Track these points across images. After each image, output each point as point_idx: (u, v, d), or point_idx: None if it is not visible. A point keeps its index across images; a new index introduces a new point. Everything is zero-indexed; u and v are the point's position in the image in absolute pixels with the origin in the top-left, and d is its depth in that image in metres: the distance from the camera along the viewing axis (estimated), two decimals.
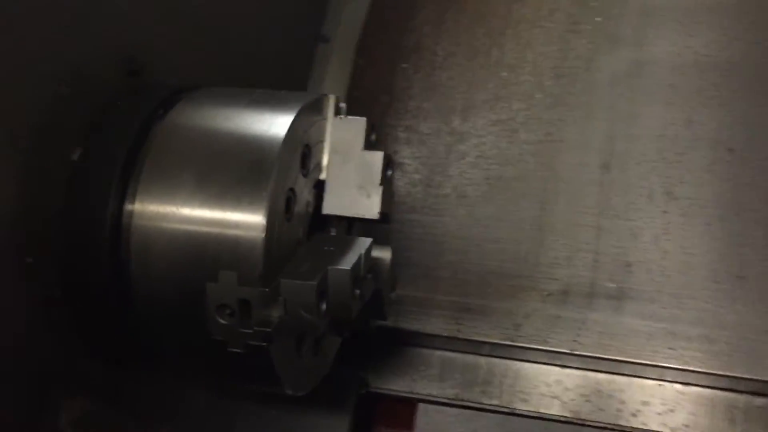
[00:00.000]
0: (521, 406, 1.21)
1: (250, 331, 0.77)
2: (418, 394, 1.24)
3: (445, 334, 1.24)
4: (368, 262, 0.87)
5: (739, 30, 1.33)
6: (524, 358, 1.22)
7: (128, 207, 0.83)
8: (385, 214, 0.91)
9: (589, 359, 1.19)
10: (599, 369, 1.19)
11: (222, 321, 0.77)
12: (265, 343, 0.77)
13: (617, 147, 1.31)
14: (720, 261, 1.21)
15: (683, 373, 1.16)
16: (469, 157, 1.37)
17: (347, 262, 0.82)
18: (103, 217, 0.82)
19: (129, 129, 0.85)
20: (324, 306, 0.81)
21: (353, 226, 0.97)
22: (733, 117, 1.28)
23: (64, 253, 0.84)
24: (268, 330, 0.77)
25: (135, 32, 0.93)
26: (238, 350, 0.77)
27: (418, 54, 1.47)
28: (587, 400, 1.20)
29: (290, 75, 1.44)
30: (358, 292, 0.84)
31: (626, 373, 1.18)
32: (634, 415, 1.17)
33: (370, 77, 1.47)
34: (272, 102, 0.86)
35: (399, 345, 1.25)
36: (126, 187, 0.83)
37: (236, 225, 0.80)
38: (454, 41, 1.47)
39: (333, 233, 0.93)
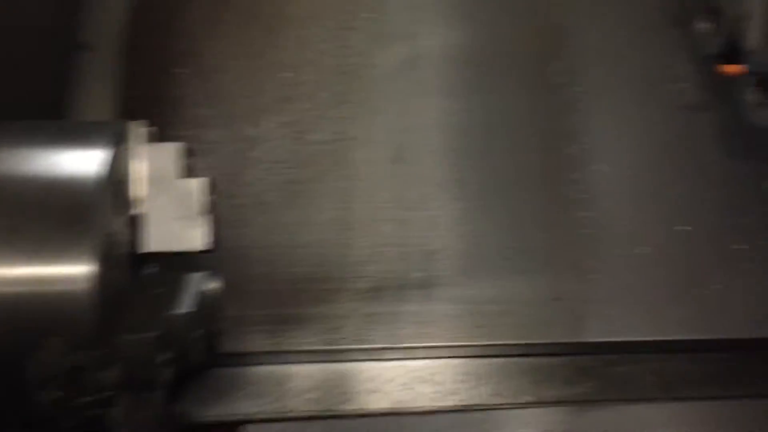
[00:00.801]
0: (346, 407, 1.21)
1: (88, 399, 0.68)
2: (239, 415, 1.19)
3: (264, 349, 1.20)
4: (202, 297, 0.81)
5: (502, 22, 1.42)
6: (346, 359, 1.22)
7: None
8: (210, 244, 0.86)
9: (407, 350, 1.22)
10: (417, 357, 1.23)
11: (50, 395, 0.68)
12: (104, 410, 0.69)
13: (405, 140, 1.35)
14: (509, 238, 1.30)
15: (491, 347, 1.24)
16: (264, 163, 1.33)
17: (183, 305, 0.76)
18: None
19: None
20: (165, 356, 0.74)
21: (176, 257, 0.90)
22: (505, 104, 1.37)
23: None
24: (107, 394, 0.69)
25: None
26: (71, 425, 0.69)
27: (193, 58, 1.39)
28: (408, 389, 1.23)
29: (47, 89, 1.30)
30: (198, 332, 0.79)
31: (442, 356, 1.23)
32: (453, 393, 1.23)
33: (143, 86, 1.37)
34: (77, 136, 0.77)
35: (217, 368, 1.19)
36: None
37: (57, 280, 0.70)
38: (229, 42, 1.41)
39: (157, 270, 0.85)
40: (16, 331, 0.70)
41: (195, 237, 0.84)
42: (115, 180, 0.78)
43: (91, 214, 0.71)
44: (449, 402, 1.22)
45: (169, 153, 0.85)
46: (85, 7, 1.40)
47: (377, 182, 1.32)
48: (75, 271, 0.70)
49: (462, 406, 1.23)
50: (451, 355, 1.24)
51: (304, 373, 1.22)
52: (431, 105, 1.38)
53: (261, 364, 1.21)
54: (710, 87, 1.37)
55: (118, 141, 0.79)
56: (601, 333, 1.24)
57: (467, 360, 1.25)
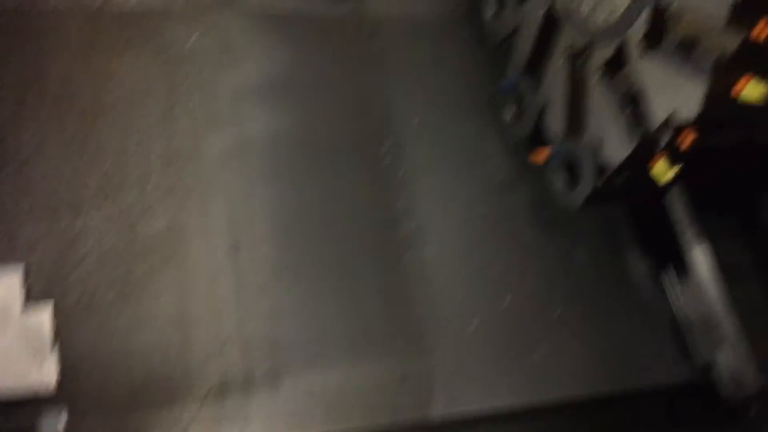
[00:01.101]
0: None
1: None
2: None
3: None
4: None
5: (329, 106, 1.45)
6: None
7: None
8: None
9: None
10: None
11: None
12: None
13: (239, 227, 1.33)
14: (351, 323, 1.32)
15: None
16: (89, 260, 1.25)
17: None
18: None
19: None
20: None
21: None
22: (336, 188, 1.40)
23: None
24: None
25: None
26: None
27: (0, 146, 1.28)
28: None
29: None
30: None
31: None
32: None
33: None
34: None
35: None
36: None
37: None
38: (41, 129, 1.32)
39: None
40: None
41: (46, 375, 0.77)
42: None
43: None
44: None
45: (11, 282, 0.77)
46: None
47: (215, 274, 1.29)
48: None
49: None
50: None
51: None
52: (263, 190, 1.37)
53: None
54: (522, 166, 1.48)
55: None
56: (443, 408, 1.29)
57: None
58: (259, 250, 1.32)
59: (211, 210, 1.33)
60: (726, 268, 1.32)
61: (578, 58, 1.30)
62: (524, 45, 1.43)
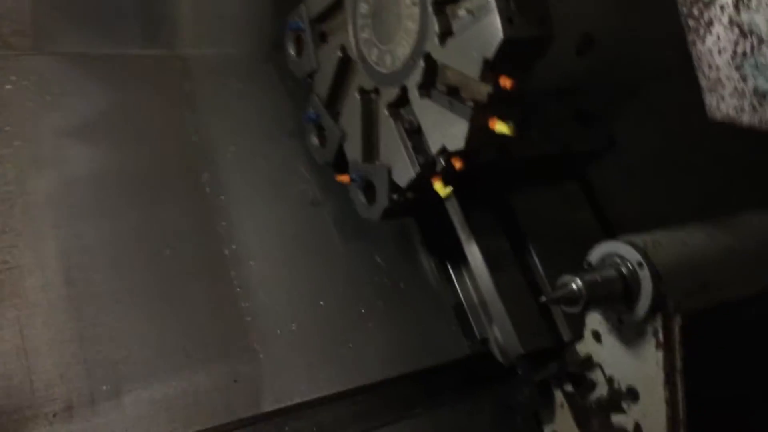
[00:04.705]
0: None
1: None
2: None
3: None
4: None
5: (151, 141, 1.52)
6: None
7: None
8: None
9: None
10: None
11: None
12: None
13: (73, 261, 1.37)
14: (186, 336, 1.41)
15: None
16: None
17: None
18: None
19: None
20: None
21: None
22: (161, 218, 1.48)
23: None
24: None
25: None
26: None
27: None
28: None
29: None
30: None
31: None
32: None
33: None
34: None
35: None
36: None
37: None
38: None
39: None
40: None
41: None
42: None
43: None
44: None
45: None
46: None
47: (53, 305, 1.33)
48: None
49: None
50: None
51: None
52: (92, 225, 1.42)
53: None
54: (329, 185, 1.64)
55: None
56: (273, 402, 1.43)
57: None
58: (93, 280, 1.37)
59: (42, 247, 1.36)
60: (492, 259, 1.55)
61: (369, 96, 1.48)
62: (323, 82, 1.58)
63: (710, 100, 0.86)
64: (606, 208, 1.74)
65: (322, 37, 1.58)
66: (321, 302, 1.54)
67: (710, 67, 0.85)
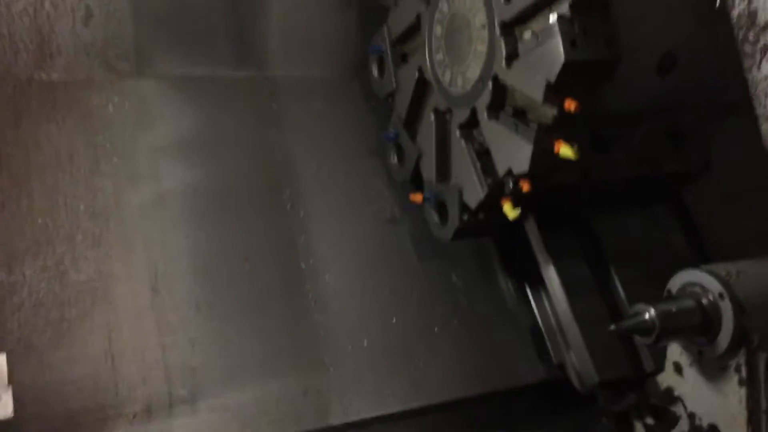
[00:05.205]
0: None
1: None
2: None
3: None
4: None
5: (236, 159, 1.60)
6: None
7: None
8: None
9: None
10: None
11: None
12: None
13: (160, 271, 1.47)
14: (260, 347, 1.47)
15: None
16: (26, 306, 1.37)
17: None
18: None
19: None
20: None
21: None
22: (244, 232, 1.55)
23: None
24: None
25: None
26: None
27: None
28: None
29: None
30: None
31: None
32: None
33: None
34: None
35: None
36: None
37: None
38: None
39: None
40: None
41: (5, 407, 0.90)
42: None
43: None
44: None
45: None
46: None
47: (139, 312, 1.42)
48: None
49: None
50: None
51: None
52: (179, 237, 1.51)
53: None
54: (406, 204, 1.66)
55: None
56: (341, 416, 1.46)
57: None
58: (177, 289, 1.46)
59: (133, 257, 1.46)
60: (571, 284, 1.52)
61: (444, 116, 1.49)
62: (402, 102, 1.60)
63: (767, 129, 0.81)
64: (701, 232, 1.65)
65: (402, 58, 1.60)
66: (394, 319, 1.56)
67: (766, 95, 0.80)
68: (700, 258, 1.57)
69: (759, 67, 0.80)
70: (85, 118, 1.54)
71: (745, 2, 0.81)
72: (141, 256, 1.47)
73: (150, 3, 1.59)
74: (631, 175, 1.53)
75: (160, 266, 1.47)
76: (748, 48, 0.82)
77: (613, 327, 1.30)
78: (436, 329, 1.58)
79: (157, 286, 1.45)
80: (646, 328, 1.26)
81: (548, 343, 1.62)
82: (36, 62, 1.51)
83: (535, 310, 1.65)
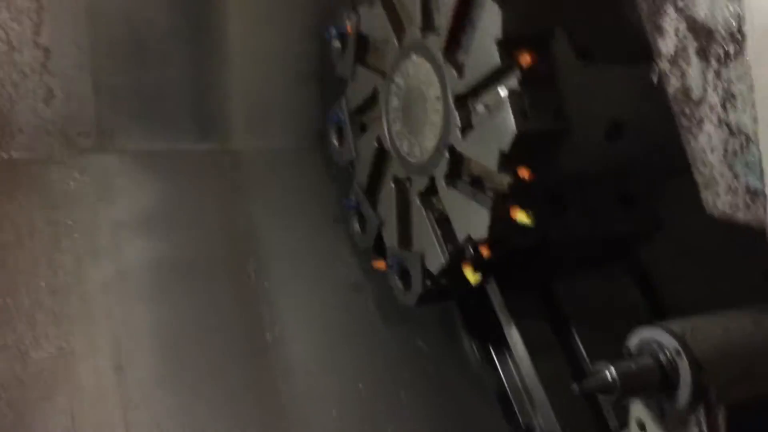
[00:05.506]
0: None
1: None
2: None
3: None
4: None
5: (192, 232, 1.61)
6: None
7: None
8: None
9: None
10: None
11: None
12: None
13: (124, 347, 1.45)
14: (226, 421, 1.45)
15: None
16: None
17: None
18: None
19: None
20: None
21: None
22: (208, 304, 1.55)
23: None
24: None
25: None
26: None
27: None
28: None
29: None
30: None
31: None
32: None
33: None
34: None
35: None
36: None
37: None
38: None
39: None
40: None
41: None
42: None
43: None
44: None
45: None
46: None
47: (102, 391, 1.41)
48: None
49: None
50: None
51: None
52: (142, 312, 1.50)
53: None
54: (369, 270, 1.68)
55: None
56: None
57: None
58: (141, 366, 1.45)
59: (95, 334, 1.45)
60: (534, 344, 1.54)
61: (403, 184, 1.52)
62: (362, 171, 1.64)
63: (706, 197, 0.86)
64: (658, 290, 1.70)
65: (361, 128, 1.65)
66: (361, 385, 1.56)
67: (704, 164, 0.85)
68: (658, 314, 1.61)
69: (696, 139, 0.85)
70: (46, 195, 1.55)
71: (680, 79, 0.87)
72: (103, 333, 1.46)
73: (111, 80, 1.62)
74: (586, 235, 1.57)
75: (123, 342, 1.46)
76: (684, 121, 0.87)
77: (575, 387, 1.32)
78: (402, 395, 1.58)
79: (121, 362, 1.44)
80: (607, 387, 1.28)
81: (515, 406, 1.63)
82: None
83: (501, 372, 1.66)
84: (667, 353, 1.31)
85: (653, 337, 1.34)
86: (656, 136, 1.44)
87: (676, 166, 1.57)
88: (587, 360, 1.54)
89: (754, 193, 0.78)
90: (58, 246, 1.50)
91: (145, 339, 1.48)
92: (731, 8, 0.76)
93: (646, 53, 1.02)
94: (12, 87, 1.52)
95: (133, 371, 1.44)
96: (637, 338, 1.36)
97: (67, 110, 1.58)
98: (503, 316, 1.55)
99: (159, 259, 1.56)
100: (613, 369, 1.29)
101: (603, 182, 1.54)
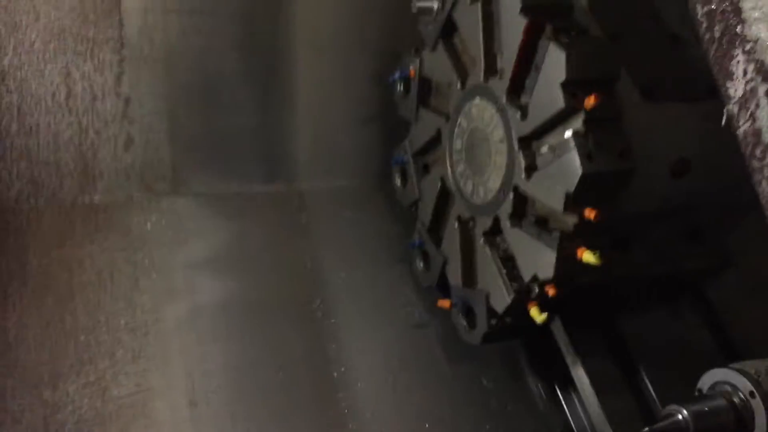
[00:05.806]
0: None
1: None
2: None
3: None
4: None
5: (268, 271, 1.66)
6: None
7: None
8: None
9: None
10: None
11: None
12: None
13: (198, 384, 1.50)
14: None
15: None
16: (69, 423, 1.40)
17: None
18: None
19: None
20: None
21: None
22: (276, 342, 1.59)
23: None
24: None
25: None
26: None
27: None
28: None
29: None
30: None
31: None
32: None
33: None
34: None
35: None
36: None
37: None
38: (24, 313, 1.49)
39: None
40: None
41: None
42: None
43: None
44: None
45: None
46: None
47: (177, 426, 1.45)
48: None
49: None
50: None
51: None
52: (215, 350, 1.55)
53: None
54: (434, 308, 1.69)
55: None
56: None
57: None
58: (214, 402, 1.49)
59: (171, 371, 1.50)
60: (601, 384, 1.53)
61: (467, 224, 1.54)
62: (425, 211, 1.67)
63: None
64: (726, 328, 1.67)
65: (425, 169, 1.68)
66: (426, 425, 1.57)
67: None
68: (727, 354, 1.58)
69: None
70: (125, 237, 1.62)
71: (750, 121, 0.87)
72: (178, 370, 1.51)
73: (186, 128, 1.69)
74: (653, 272, 1.56)
75: (196, 379, 1.51)
76: (755, 163, 0.87)
77: (647, 430, 1.31)
78: None
79: (195, 398, 1.49)
80: (680, 429, 1.27)
81: None
82: (80, 186, 1.60)
83: (567, 412, 1.65)
84: (741, 395, 1.29)
85: (726, 379, 1.32)
86: (724, 171, 1.43)
87: (745, 201, 1.57)
88: (656, 399, 1.52)
89: None
90: (136, 286, 1.57)
91: (217, 376, 1.52)
92: None
93: (711, 89, 1.03)
94: (95, 134, 1.61)
95: (206, 407, 1.48)
96: (709, 379, 1.35)
97: (145, 156, 1.66)
98: (569, 355, 1.55)
99: (230, 299, 1.62)
100: (685, 411, 1.27)
101: (669, 218, 1.54)
